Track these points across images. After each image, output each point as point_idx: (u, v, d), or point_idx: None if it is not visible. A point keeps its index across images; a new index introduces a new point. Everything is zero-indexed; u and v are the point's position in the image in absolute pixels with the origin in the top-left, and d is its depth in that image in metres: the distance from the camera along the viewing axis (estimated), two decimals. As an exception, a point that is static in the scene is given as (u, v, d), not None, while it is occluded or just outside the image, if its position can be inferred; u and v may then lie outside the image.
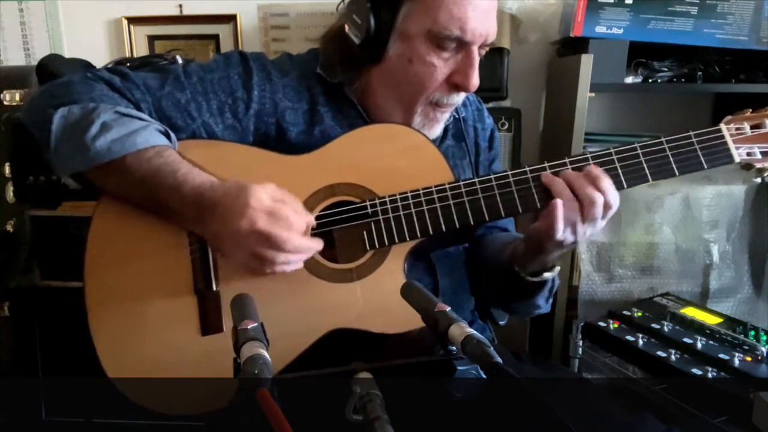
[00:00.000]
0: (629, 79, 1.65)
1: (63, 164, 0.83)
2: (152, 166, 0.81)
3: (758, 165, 0.88)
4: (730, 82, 1.65)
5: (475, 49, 0.88)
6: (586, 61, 1.54)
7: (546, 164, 0.87)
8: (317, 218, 0.88)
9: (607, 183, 0.82)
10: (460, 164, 1.04)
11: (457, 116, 1.03)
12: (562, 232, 0.82)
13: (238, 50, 0.98)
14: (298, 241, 0.78)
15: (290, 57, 1.01)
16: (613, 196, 0.82)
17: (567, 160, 0.87)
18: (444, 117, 0.96)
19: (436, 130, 0.97)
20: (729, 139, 0.86)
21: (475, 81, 0.89)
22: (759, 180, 0.92)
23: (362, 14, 0.89)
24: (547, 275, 0.92)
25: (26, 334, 1.52)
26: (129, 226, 0.87)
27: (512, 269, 0.93)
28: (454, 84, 0.90)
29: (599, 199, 0.81)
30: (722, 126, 0.87)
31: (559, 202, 0.81)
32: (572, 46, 1.71)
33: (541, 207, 0.85)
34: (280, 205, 0.77)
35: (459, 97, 0.93)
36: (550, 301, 1.00)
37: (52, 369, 1.54)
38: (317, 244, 0.82)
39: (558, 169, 0.86)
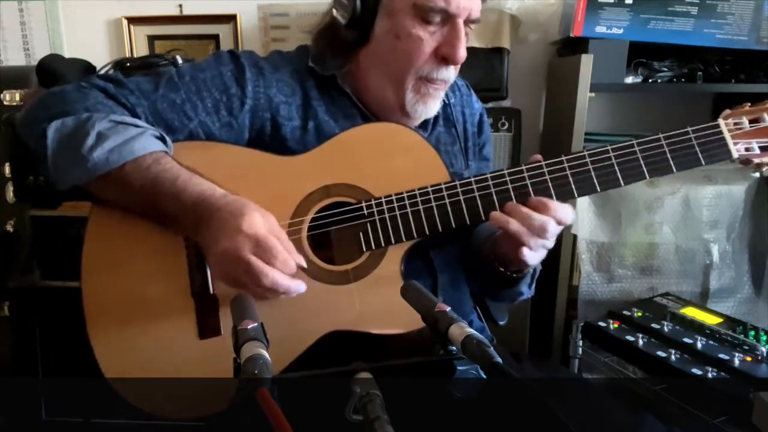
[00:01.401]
0: (629, 79, 1.65)
1: (62, 178, 0.82)
2: (151, 174, 0.81)
3: (756, 160, 0.87)
4: (730, 82, 1.65)
5: (460, 21, 0.88)
6: (586, 61, 1.54)
7: (542, 162, 0.86)
8: (313, 220, 0.88)
9: (552, 205, 0.83)
10: (451, 150, 1.04)
11: (446, 101, 1.04)
12: (534, 262, 0.86)
13: (228, 49, 0.98)
14: (277, 277, 0.75)
15: (281, 54, 1.01)
16: (563, 214, 0.83)
17: (564, 158, 0.86)
18: (438, 93, 0.95)
19: (432, 107, 0.96)
20: (727, 135, 0.86)
21: (462, 52, 0.89)
22: (757, 175, 0.91)
23: None
24: (529, 268, 0.93)
25: (26, 334, 1.53)
26: (124, 230, 0.87)
27: (493, 266, 0.94)
28: (442, 57, 0.90)
29: (550, 224, 0.82)
30: (720, 121, 0.87)
31: (525, 250, 0.83)
32: (572, 46, 1.71)
33: None
34: (270, 237, 0.75)
35: (449, 72, 0.93)
36: (533, 285, 1.01)
37: (52, 369, 1.54)
38: (298, 286, 0.78)
39: (554, 167, 0.86)
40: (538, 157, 0.88)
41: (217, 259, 0.76)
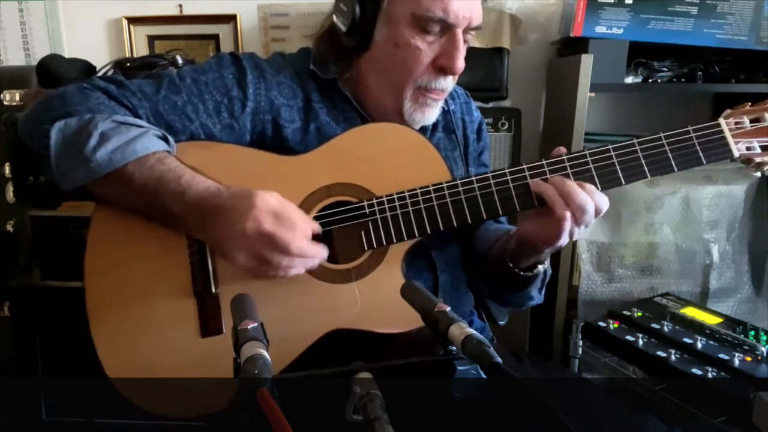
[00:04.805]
0: (629, 79, 1.65)
1: (65, 178, 0.82)
2: (154, 174, 0.81)
3: (758, 159, 0.87)
4: (730, 82, 1.65)
5: (459, 31, 0.88)
6: (586, 61, 1.54)
7: (543, 161, 0.86)
8: (315, 218, 0.88)
9: (591, 188, 0.83)
10: (451, 156, 1.05)
11: (446, 108, 1.04)
12: (566, 240, 0.84)
13: (230, 51, 0.98)
14: (303, 244, 0.78)
15: (282, 56, 1.01)
16: (601, 200, 0.83)
17: (564, 157, 0.86)
18: (437, 103, 0.96)
19: (430, 116, 0.96)
20: (728, 134, 0.86)
21: (460, 63, 0.89)
22: (758, 174, 0.92)
23: (348, 2, 0.90)
24: (540, 268, 0.93)
25: (26, 334, 1.53)
26: (127, 230, 0.87)
27: (504, 264, 0.93)
28: (440, 67, 0.90)
29: (590, 206, 0.81)
30: (721, 120, 0.87)
31: (568, 215, 0.81)
32: (572, 46, 1.71)
33: (539, 205, 0.85)
34: (286, 208, 0.78)
35: (447, 82, 0.93)
36: (543, 291, 1.01)
37: (52, 369, 1.54)
38: (322, 251, 0.81)
39: (555, 166, 0.86)
40: (563, 149, 0.87)
41: (237, 243, 0.77)
